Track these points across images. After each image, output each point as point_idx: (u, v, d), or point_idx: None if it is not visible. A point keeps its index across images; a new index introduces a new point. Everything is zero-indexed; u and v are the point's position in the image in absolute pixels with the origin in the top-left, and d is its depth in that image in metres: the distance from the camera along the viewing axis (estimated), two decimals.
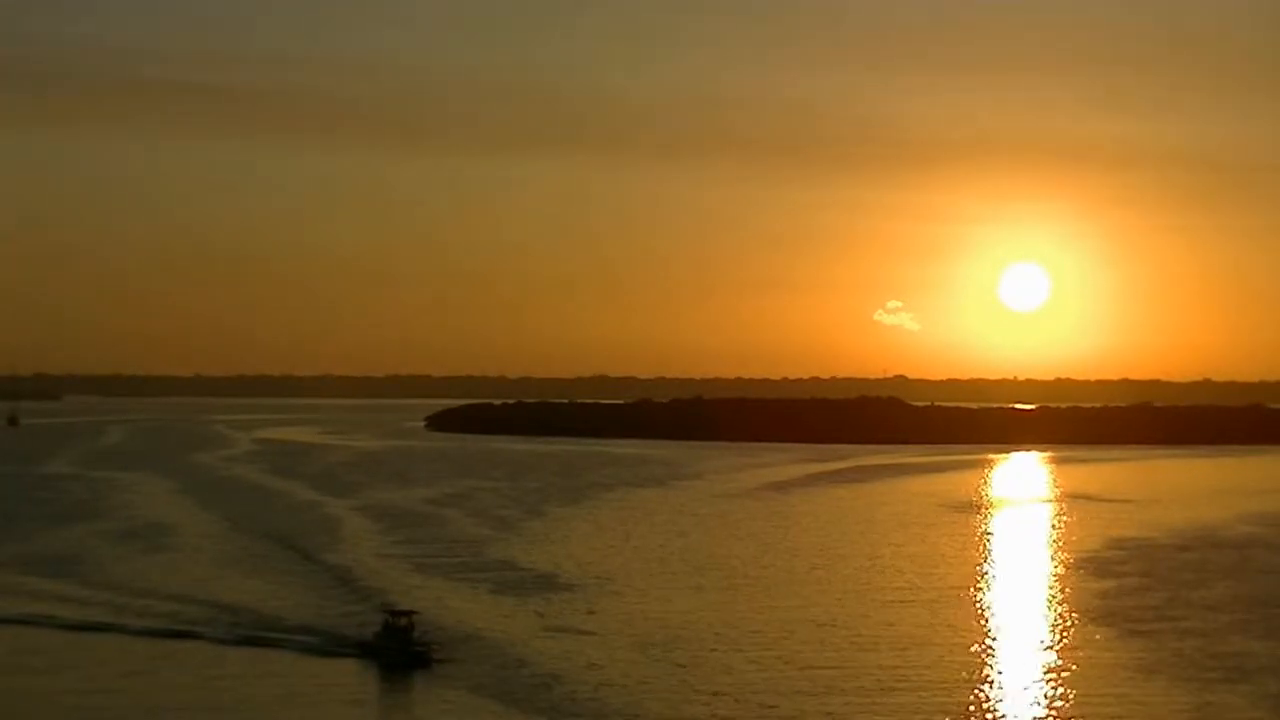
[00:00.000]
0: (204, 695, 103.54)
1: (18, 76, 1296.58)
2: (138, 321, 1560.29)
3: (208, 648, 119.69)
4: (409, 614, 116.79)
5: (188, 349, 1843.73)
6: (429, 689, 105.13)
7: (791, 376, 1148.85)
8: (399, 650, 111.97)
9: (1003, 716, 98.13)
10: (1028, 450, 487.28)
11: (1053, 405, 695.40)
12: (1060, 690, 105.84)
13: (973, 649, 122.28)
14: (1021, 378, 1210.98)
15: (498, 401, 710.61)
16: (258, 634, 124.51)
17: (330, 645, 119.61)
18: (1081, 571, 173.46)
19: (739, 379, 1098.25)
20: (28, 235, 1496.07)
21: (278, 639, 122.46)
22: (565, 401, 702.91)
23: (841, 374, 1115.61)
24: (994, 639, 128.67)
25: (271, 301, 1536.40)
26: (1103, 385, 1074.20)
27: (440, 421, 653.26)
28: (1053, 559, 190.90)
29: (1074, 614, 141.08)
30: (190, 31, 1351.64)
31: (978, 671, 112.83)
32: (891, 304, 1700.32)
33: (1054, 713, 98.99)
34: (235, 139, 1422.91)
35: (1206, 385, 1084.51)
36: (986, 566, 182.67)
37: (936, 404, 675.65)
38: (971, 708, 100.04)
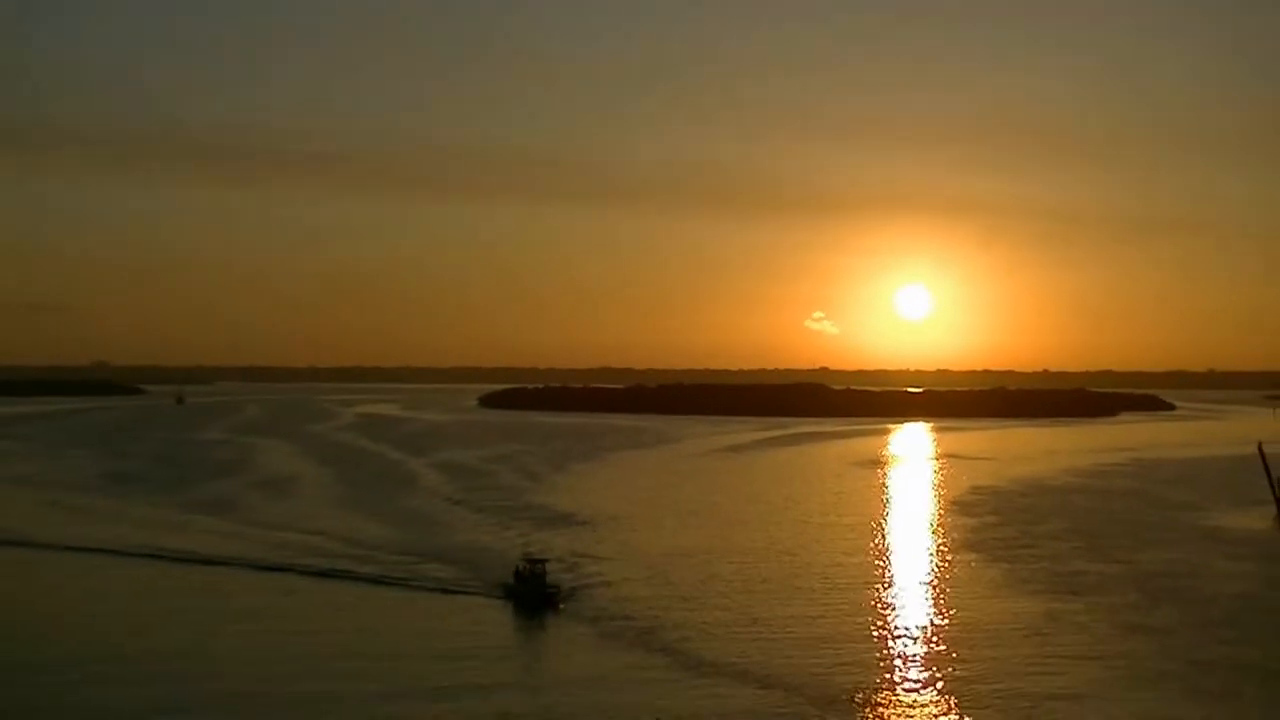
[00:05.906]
0: (369, 623, 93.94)
1: (194, 149, 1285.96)
2: (267, 327, 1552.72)
3: (359, 586, 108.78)
4: (543, 561, 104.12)
5: (304, 347, 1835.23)
6: (560, 625, 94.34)
7: (746, 368, 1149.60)
8: (534, 592, 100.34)
9: (901, 616, 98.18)
10: (916, 422, 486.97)
11: (934, 389, 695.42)
12: (941, 600, 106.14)
13: (882, 569, 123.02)
14: (912, 369, 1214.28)
15: (531, 386, 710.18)
16: (399, 575, 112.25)
17: (478, 586, 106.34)
18: (954, 510, 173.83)
19: (708, 369, 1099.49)
20: (186, 266, 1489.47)
21: (432, 580, 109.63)
22: (580, 386, 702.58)
23: (781, 366, 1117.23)
24: (896, 561, 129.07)
25: (365, 311, 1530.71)
26: (970, 374, 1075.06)
27: (489, 401, 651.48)
28: (934, 501, 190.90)
29: (949, 543, 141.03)
30: (326, 113, 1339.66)
31: (885, 584, 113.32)
32: (817, 314, 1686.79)
33: (937, 616, 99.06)
34: (336, 194, 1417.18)
35: (1045, 374, 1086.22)
36: (888, 507, 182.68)
37: (851, 388, 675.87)
38: (880, 609, 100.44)
